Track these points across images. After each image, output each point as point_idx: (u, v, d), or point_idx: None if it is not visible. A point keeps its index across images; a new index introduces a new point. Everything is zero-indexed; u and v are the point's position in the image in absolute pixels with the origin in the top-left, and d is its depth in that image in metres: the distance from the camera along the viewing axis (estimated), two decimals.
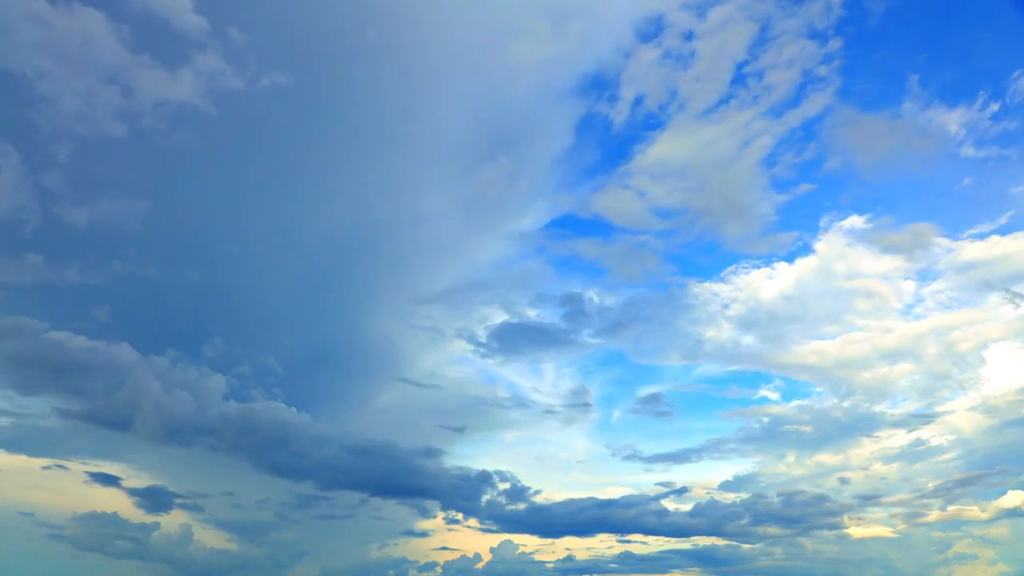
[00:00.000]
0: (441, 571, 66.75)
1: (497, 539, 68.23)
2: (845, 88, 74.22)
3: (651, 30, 76.02)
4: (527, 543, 68.61)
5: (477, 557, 67.30)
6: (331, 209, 74.90)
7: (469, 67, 75.68)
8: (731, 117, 75.96)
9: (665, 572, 68.03)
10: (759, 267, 78.55)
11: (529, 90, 77.55)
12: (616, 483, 73.35)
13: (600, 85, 78.53)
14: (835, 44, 73.35)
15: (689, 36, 75.09)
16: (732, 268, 79.07)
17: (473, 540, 67.98)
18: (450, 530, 67.96)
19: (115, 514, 61.04)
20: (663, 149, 77.12)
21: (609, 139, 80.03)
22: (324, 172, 73.51)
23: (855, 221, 75.60)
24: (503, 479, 68.82)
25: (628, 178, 78.18)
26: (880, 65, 76.03)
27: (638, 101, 77.43)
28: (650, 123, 77.96)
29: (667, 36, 75.45)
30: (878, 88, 75.69)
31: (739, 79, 75.37)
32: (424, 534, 68.13)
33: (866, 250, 75.13)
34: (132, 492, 62.06)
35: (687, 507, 70.06)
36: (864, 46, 75.22)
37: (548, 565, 67.99)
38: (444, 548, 67.41)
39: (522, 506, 68.65)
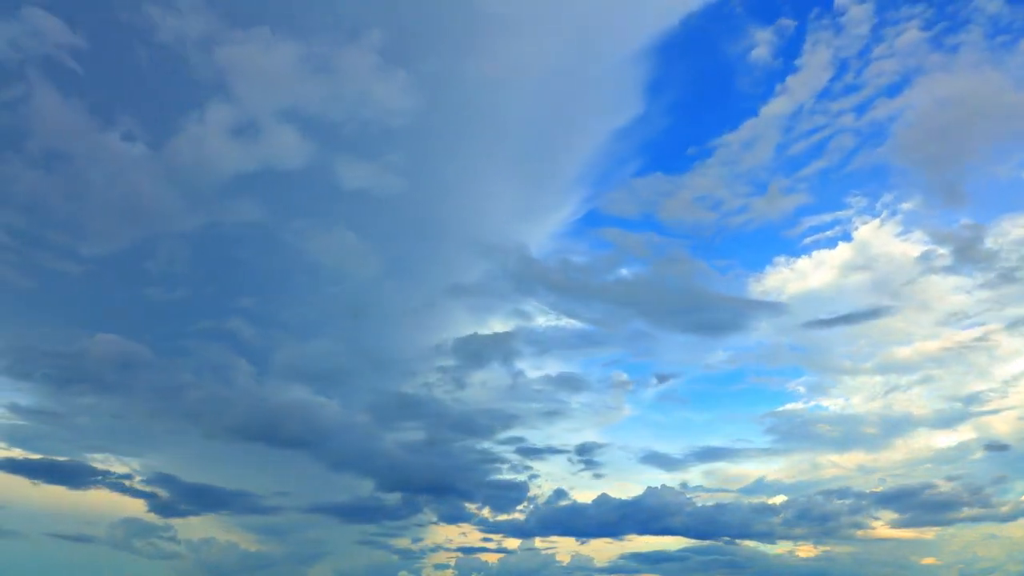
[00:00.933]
0: (455, 571, 67.51)
1: (520, 539, 68.56)
2: (946, 81, 71.17)
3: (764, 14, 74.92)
4: (550, 543, 68.86)
5: (494, 556, 67.70)
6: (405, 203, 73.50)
7: (546, 42, 73.80)
8: (817, 116, 74.85)
9: (691, 572, 67.90)
10: (805, 263, 77.56)
11: (598, 71, 76.04)
12: (644, 482, 72.58)
13: (683, 75, 77.52)
14: (954, 37, 70.72)
15: (803, 28, 74.09)
16: (780, 264, 78.20)
17: (497, 540, 68.29)
18: (480, 530, 68.48)
19: (152, 515, 62.31)
20: (730, 150, 76.35)
21: (677, 135, 79.54)
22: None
23: (909, 215, 73.81)
24: (538, 478, 69.46)
25: (688, 176, 77.57)
26: (988, 57, 71.58)
27: (722, 95, 77.04)
28: (726, 120, 77.46)
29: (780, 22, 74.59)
30: (975, 83, 71.36)
31: (841, 71, 73.70)
32: (458, 534, 68.55)
33: (916, 246, 72.96)
34: (174, 491, 63.23)
35: (712, 506, 70.07)
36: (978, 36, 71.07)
37: (562, 564, 68.14)
38: (467, 548, 67.95)
39: (555, 505, 69.03)
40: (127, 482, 62.49)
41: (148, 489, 62.57)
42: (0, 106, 58.96)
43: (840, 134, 74.73)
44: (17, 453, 60.44)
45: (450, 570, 67.30)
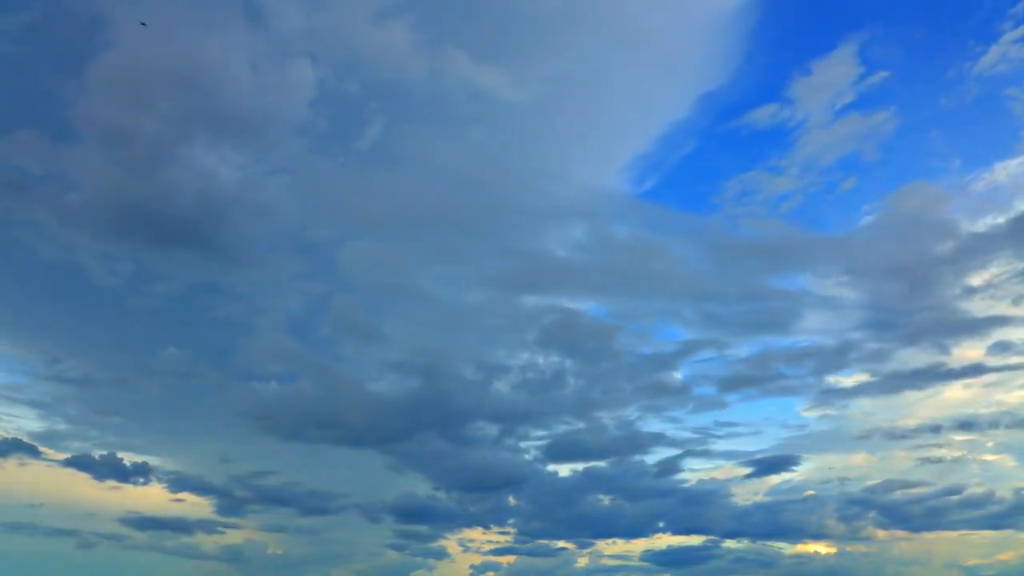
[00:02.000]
0: (472, 572, 68.56)
1: (548, 540, 68.99)
2: None
3: None
4: (576, 543, 69.48)
5: (506, 560, 68.66)
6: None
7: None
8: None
9: (716, 572, 69.03)
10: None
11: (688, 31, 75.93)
12: (677, 480, 73.04)
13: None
14: None
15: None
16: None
17: (530, 542, 69.06)
18: (517, 531, 69.24)
19: (201, 515, 64.87)
20: (816, 151, 77.01)
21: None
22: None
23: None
24: (581, 475, 70.29)
25: (765, 175, 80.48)
26: None
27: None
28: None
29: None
30: None
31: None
32: (496, 534, 69.59)
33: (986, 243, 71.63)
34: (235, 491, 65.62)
35: (747, 505, 70.99)
36: None
37: (579, 565, 68.89)
38: (500, 550, 68.64)
39: (596, 504, 69.64)
40: (187, 481, 65.59)
41: (210, 487, 65.45)
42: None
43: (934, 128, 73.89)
44: (81, 452, 63.83)
45: (466, 569, 68.55)
